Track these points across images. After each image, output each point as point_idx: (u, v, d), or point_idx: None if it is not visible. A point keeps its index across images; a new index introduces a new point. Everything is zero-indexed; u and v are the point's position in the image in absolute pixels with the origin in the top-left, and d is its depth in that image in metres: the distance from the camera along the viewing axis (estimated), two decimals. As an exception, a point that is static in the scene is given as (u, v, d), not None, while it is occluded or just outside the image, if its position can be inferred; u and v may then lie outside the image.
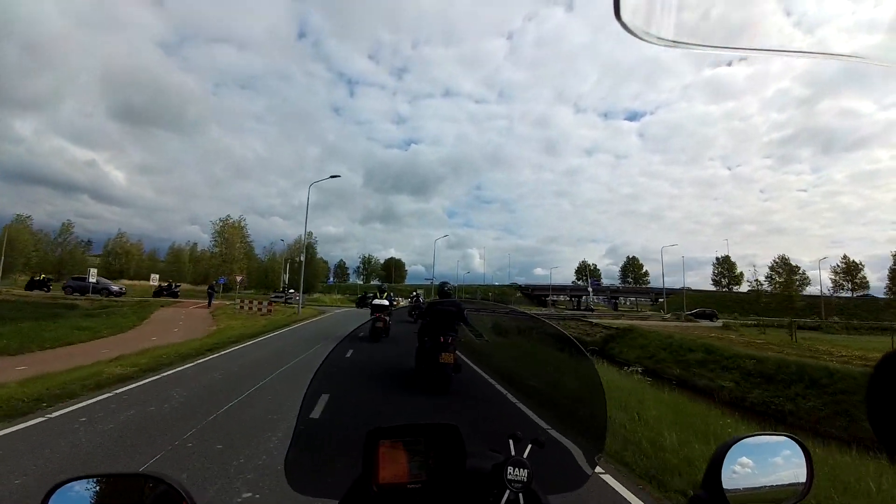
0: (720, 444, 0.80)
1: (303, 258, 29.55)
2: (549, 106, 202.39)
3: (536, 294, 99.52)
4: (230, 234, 56.08)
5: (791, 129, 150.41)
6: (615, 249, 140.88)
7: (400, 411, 1.75)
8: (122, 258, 65.85)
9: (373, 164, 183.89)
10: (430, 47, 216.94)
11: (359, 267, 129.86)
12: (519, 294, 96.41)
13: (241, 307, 24.59)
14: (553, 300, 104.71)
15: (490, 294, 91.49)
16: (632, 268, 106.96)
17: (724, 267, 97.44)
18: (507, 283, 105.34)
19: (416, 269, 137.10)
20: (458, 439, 0.93)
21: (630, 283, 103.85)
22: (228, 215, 58.08)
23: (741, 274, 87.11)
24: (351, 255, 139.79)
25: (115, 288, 32.57)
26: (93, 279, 29.87)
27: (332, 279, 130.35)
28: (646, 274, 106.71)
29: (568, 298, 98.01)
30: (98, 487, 0.72)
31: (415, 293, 21.21)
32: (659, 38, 0.46)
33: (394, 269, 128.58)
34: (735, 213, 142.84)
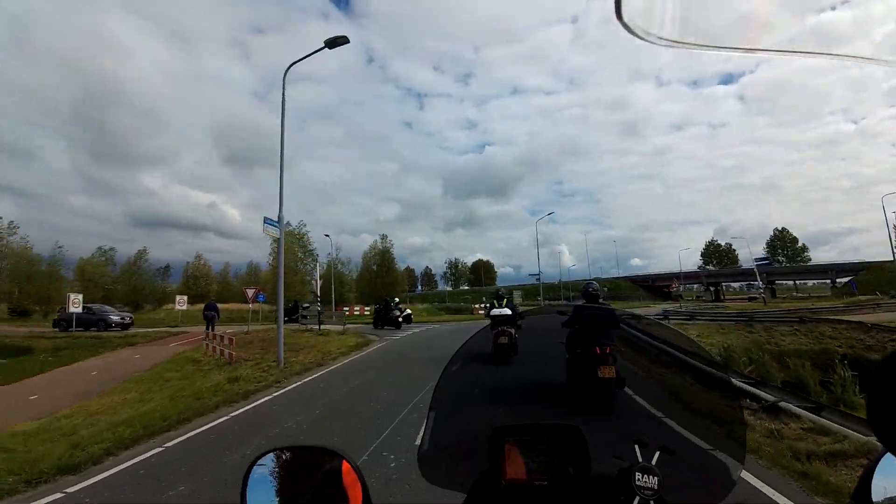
0: (872, 455, 0.75)
1: (278, 228, 13.23)
2: (625, 85, 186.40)
3: (658, 285, 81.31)
4: (287, 244, 48.09)
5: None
6: (724, 230, 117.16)
7: (526, 409, 1.54)
8: (201, 281, 63.54)
9: (448, 173, 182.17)
10: (492, 48, 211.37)
11: (446, 272, 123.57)
12: (641, 290, 79.13)
13: (208, 347, 13.79)
14: (678, 292, 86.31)
15: (606, 289, 76.09)
16: (782, 243, 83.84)
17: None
18: (600, 277, 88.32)
19: (505, 270, 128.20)
20: (581, 441, 0.93)
21: (784, 263, 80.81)
22: (287, 222, 50.27)
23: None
24: (437, 263, 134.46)
25: (114, 318, 25.73)
26: (75, 308, 23.27)
27: (419, 288, 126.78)
28: (803, 250, 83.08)
29: (704, 287, 78.30)
30: (289, 457, 0.87)
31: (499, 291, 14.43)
32: (660, 38, 0.47)
33: (483, 271, 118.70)
34: (867, 172, 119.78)
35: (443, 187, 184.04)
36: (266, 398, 7.71)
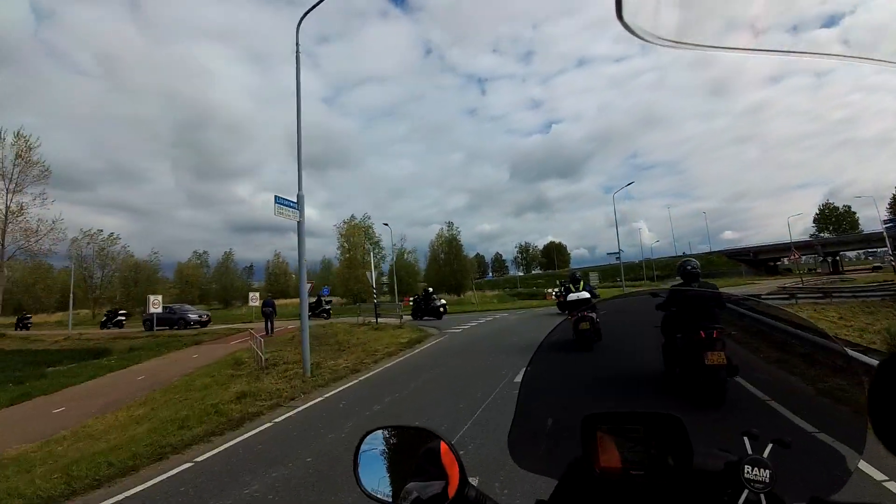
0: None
1: (296, 209, 10.87)
2: (710, 38, 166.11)
3: (762, 259, 71.66)
4: (352, 235, 47.96)
5: None
6: (836, 192, 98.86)
7: (622, 397, 1.41)
8: (281, 278, 67.12)
9: (515, 156, 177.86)
10: (552, 23, 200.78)
11: (516, 257, 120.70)
12: (742, 265, 70.20)
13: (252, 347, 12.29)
14: (791, 265, 75.42)
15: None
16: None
17: None
18: (690, 254, 79.30)
19: (579, 252, 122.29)
20: (681, 431, 0.88)
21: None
22: (353, 215, 50.05)
23: None
24: (508, 249, 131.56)
25: (192, 316, 26.86)
26: (155, 308, 24.45)
27: (490, 274, 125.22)
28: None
29: (820, 258, 67.59)
30: (392, 434, 0.93)
31: (575, 273, 13.10)
32: (660, 38, 0.47)
33: (556, 253, 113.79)
34: None
35: (510, 171, 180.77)
36: (255, 431, 5.85)
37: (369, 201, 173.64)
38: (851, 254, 67.81)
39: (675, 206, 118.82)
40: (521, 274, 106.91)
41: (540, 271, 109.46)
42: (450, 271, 57.83)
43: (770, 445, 0.88)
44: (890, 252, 56.04)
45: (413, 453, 0.84)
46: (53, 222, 29.14)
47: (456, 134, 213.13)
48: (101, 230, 46.21)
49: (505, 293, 57.38)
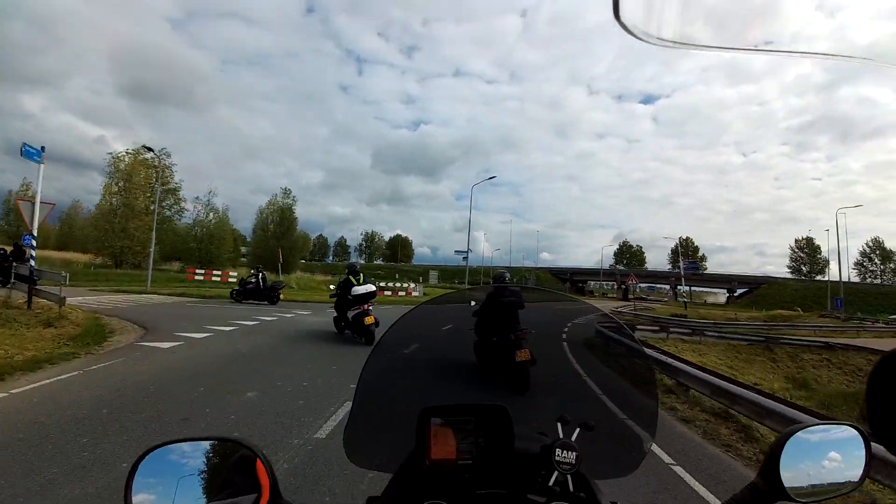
0: (780, 435, 0.80)
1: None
2: (563, 87, 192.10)
3: (575, 280, 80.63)
4: (136, 172, 34.29)
5: (810, 115, 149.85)
6: (622, 235, 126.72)
7: (451, 391, 1.53)
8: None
9: (381, 145, 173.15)
10: (442, 24, 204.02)
11: (361, 244, 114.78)
12: (560, 283, 77.46)
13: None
14: (590, 287, 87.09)
15: (529, 278, 73.13)
16: (685, 251, 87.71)
17: (807, 252, 78.94)
18: (519, 267, 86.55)
19: (422, 250, 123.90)
20: (506, 420, 0.94)
21: (676, 269, 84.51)
22: (144, 146, 32.41)
23: (825, 261, 69.84)
24: (356, 236, 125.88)
25: None
26: None
27: (331, 258, 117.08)
28: (702, 259, 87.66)
29: (617, 285, 78.88)
30: (183, 451, 0.76)
31: (354, 265, 11.46)
32: (658, 38, 0.47)
33: (400, 247, 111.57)
34: (747, 200, 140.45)
35: (373, 159, 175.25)
36: None
37: (211, 155, 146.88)
38: (643, 285, 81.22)
39: (511, 223, 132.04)
40: (362, 262, 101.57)
41: (382, 262, 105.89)
42: (276, 245, 49.23)
43: (578, 429, 0.95)
44: (671, 290, 68.65)
45: (219, 469, 0.75)
46: None
47: (325, 107, 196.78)
48: None
49: (325, 282, 51.30)
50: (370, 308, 9.89)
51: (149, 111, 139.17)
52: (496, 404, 0.96)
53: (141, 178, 33.62)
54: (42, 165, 9.96)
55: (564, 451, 0.88)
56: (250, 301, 19.07)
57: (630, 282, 35.69)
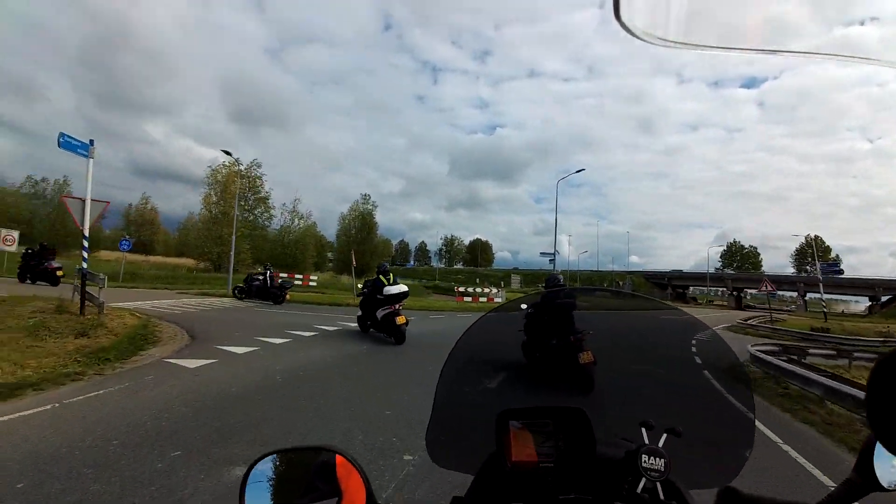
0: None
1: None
2: (646, 79, 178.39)
3: (674, 286, 72.20)
4: (231, 183, 35.71)
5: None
6: (724, 236, 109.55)
7: (529, 394, 1.58)
8: (144, 228, 54.64)
9: (457, 151, 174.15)
10: (513, 27, 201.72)
11: (441, 249, 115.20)
12: (656, 289, 69.94)
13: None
14: (692, 295, 77.43)
15: (621, 282, 67.20)
16: (813, 251, 74.48)
17: None
18: (612, 270, 79.26)
19: (502, 255, 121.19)
20: (585, 423, 0.92)
21: (811, 274, 71.48)
22: (237, 158, 33.61)
23: None
24: (436, 242, 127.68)
25: None
26: None
27: (412, 262, 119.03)
28: (836, 261, 73.56)
29: (728, 292, 69.11)
30: (284, 459, 0.83)
31: (383, 265, 10.30)
32: (659, 38, 0.47)
33: (480, 251, 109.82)
34: (876, 193, 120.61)
35: (449, 165, 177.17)
36: None
37: (301, 169, 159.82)
38: (753, 291, 70.48)
39: (593, 226, 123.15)
40: (442, 266, 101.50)
41: (462, 266, 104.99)
42: (354, 249, 49.97)
43: (665, 435, 0.92)
44: (800, 297, 58.34)
45: (306, 473, 0.81)
46: None
47: (402, 118, 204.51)
48: None
49: (421, 284, 50.62)
50: (400, 308, 9.71)
51: (251, 133, 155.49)
52: (574, 407, 0.93)
53: (234, 188, 35.82)
54: (91, 160, 9.43)
55: (652, 458, 0.84)
56: (255, 300, 18.27)
57: (763, 288, 29.65)
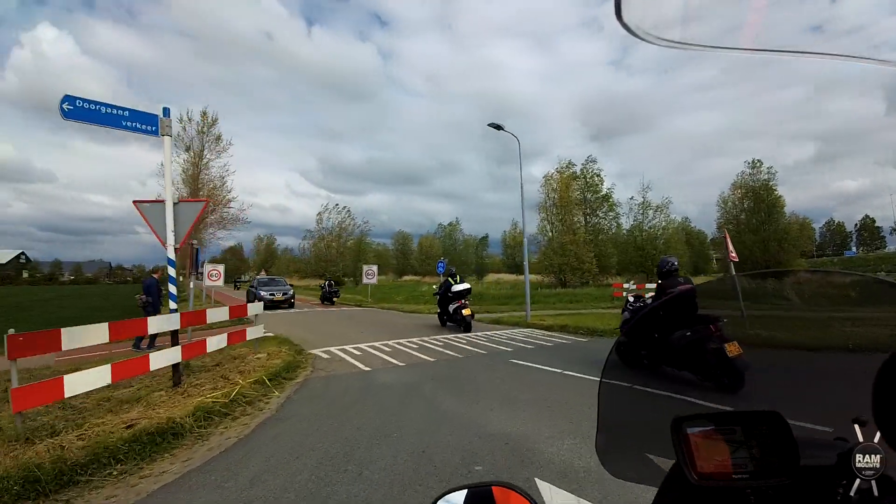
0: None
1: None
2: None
3: None
4: (566, 187, 30.58)
5: None
6: None
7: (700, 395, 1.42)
8: (516, 251, 59.58)
9: (891, 79, 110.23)
10: None
11: (910, 221, 72.33)
12: None
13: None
14: None
15: None
16: None
17: None
18: None
19: None
20: (784, 428, 0.83)
21: None
22: (569, 161, 33.07)
23: None
24: (886, 214, 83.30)
25: (264, 293, 19.95)
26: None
27: (854, 250, 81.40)
28: None
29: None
30: (466, 495, 0.86)
31: (451, 269, 14.11)
32: (659, 38, 0.47)
33: None
34: None
35: (886, 101, 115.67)
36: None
37: (667, 165, 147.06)
38: None
39: None
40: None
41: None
42: (753, 239, 34.44)
43: (878, 433, 0.84)
44: None
45: None
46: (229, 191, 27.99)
47: (792, 63, 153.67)
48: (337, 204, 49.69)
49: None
50: (467, 302, 12.00)
51: (608, 147, 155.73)
52: (768, 411, 0.85)
53: (568, 194, 31.08)
54: (167, 138, 5.49)
55: (867, 456, 0.77)
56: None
57: None
